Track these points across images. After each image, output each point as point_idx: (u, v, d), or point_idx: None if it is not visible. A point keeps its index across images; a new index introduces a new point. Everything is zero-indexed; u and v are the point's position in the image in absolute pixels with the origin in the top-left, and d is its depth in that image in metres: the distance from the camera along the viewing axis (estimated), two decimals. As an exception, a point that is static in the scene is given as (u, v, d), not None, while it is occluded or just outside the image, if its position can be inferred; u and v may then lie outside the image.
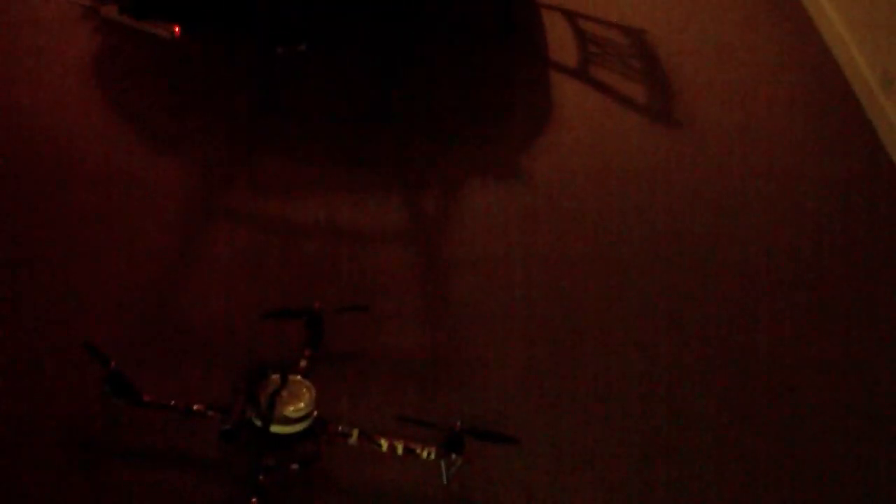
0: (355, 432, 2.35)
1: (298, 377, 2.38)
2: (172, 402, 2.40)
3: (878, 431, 2.69)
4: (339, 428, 2.36)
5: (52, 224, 3.04)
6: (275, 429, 2.28)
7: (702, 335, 2.93)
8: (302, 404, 2.31)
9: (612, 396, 2.71)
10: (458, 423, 2.31)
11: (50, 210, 3.08)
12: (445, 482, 2.33)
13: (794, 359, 2.88)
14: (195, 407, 2.38)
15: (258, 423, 2.29)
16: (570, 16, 4.36)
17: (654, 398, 2.71)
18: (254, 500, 2.24)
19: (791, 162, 3.68)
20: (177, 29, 3.83)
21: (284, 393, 2.29)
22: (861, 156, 3.77)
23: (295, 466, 2.34)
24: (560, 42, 4.19)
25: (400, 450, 2.34)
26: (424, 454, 2.32)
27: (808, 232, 3.38)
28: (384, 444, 2.34)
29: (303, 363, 2.50)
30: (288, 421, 2.30)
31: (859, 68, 4.10)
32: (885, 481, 2.56)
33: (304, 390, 2.34)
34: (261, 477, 2.27)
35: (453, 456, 2.31)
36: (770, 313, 3.03)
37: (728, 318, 2.99)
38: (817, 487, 2.51)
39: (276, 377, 2.30)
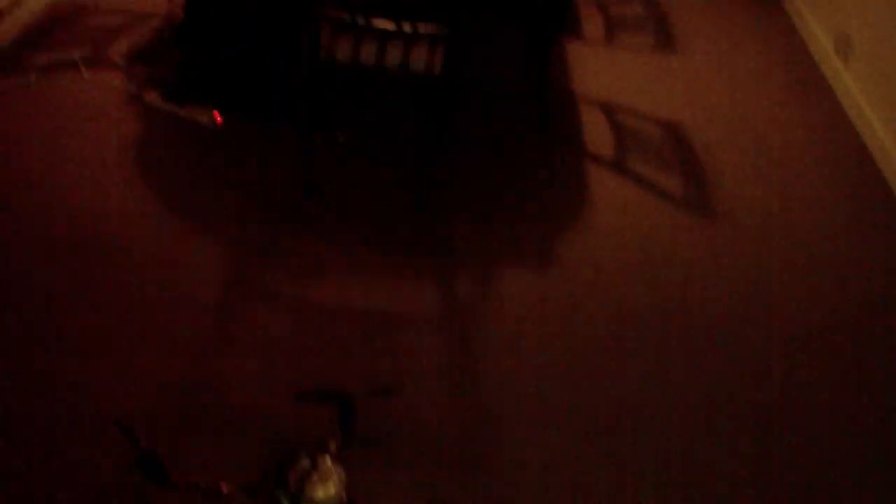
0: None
1: (328, 460, 2.37)
2: (201, 483, 2.39)
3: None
4: (369, 512, 2.34)
5: (91, 303, 3.06)
6: (304, 511, 2.26)
7: (733, 415, 2.90)
8: (332, 487, 2.29)
9: (647, 480, 2.67)
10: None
11: (89, 289, 3.11)
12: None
13: (826, 443, 2.84)
14: (224, 489, 2.37)
15: (287, 504, 2.27)
16: (607, 109, 4.40)
17: (681, 471, 2.68)
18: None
19: (825, 252, 3.67)
20: (218, 116, 3.90)
21: (314, 475, 2.27)
22: (893, 242, 3.76)
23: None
24: (597, 134, 4.22)
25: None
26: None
27: (845, 322, 3.35)
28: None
29: (333, 446, 2.48)
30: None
31: (894, 162, 4.11)
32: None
33: (334, 473, 2.32)
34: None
35: None
36: (804, 399, 2.99)
37: (762, 405, 2.96)
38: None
39: (306, 460, 2.29)
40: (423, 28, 3.37)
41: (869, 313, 3.41)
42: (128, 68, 4.17)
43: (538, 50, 4.12)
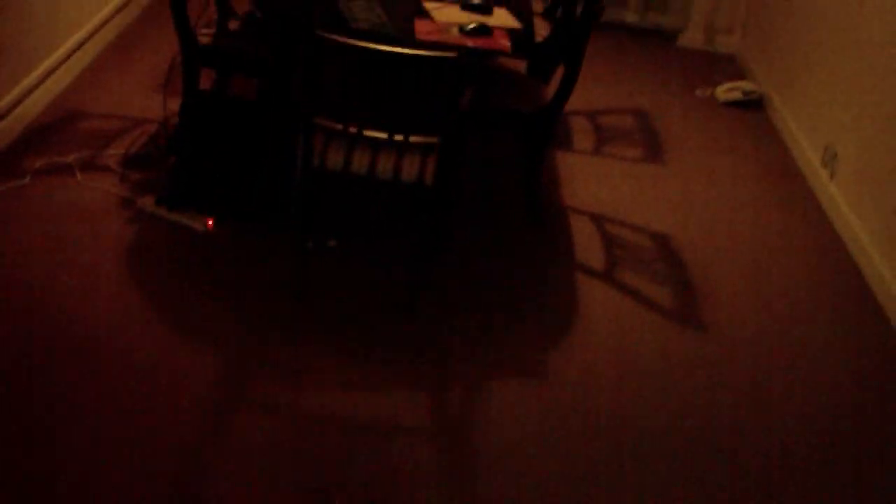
0: None
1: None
2: None
3: None
4: None
5: (77, 408, 3.04)
6: None
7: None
8: None
9: None
10: None
11: (76, 394, 3.09)
12: None
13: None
14: None
15: None
16: (597, 218, 4.44)
17: None
18: None
19: (811, 364, 3.67)
20: (210, 222, 3.92)
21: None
22: (886, 363, 3.76)
23: None
24: (587, 244, 4.25)
25: None
26: None
27: (830, 434, 3.34)
28: None
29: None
30: None
31: (884, 277, 4.13)
32: None
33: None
34: None
35: None
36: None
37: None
38: None
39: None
40: (414, 138, 3.41)
41: (859, 426, 3.41)
42: (122, 173, 4.21)
43: (529, 160, 4.16)
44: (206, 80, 4.41)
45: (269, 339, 3.44)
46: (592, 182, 4.79)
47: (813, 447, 3.29)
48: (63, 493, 2.75)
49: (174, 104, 4.50)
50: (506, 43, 3.70)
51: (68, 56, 4.89)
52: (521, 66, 4.59)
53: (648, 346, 3.67)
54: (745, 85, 6.10)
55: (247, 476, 2.88)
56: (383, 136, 3.41)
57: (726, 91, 6.10)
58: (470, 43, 3.63)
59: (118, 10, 5.57)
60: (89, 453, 2.88)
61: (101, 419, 3.01)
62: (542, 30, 4.78)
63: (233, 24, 4.36)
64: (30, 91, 4.51)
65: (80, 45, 5.03)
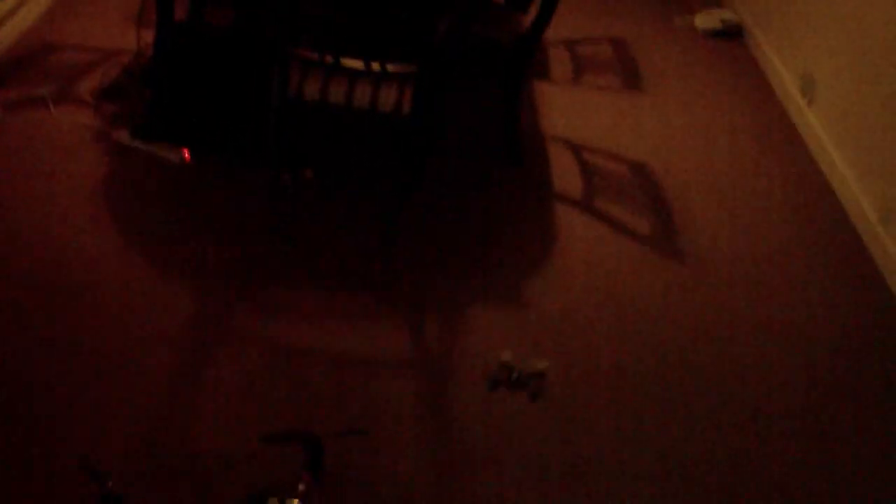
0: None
1: (297, 501, 2.35)
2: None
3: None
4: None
5: (56, 344, 3.03)
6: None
7: (709, 467, 2.90)
8: (299, 529, 2.28)
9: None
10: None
11: (54, 330, 3.08)
12: None
13: (801, 495, 2.85)
14: (191, 530, 2.35)
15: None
16: (575, 148, 4.43)
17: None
18: None
19: (793, 295, 3.70)
20: (186, 153, 3.90)
21: (282, 517, 2.26)
22: (861, 287, 3.79)
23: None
24: (565, 173, 4.24)
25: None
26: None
27: (812, 364, 3.37)
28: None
29: (301, 487, 2.47)
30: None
31: (860, 203, 4.15)
32: None
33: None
34: None
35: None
36: (776, 450, 3.00)
37: (732, 454, 2.97)
38: None
39: (274, 501, 2.27)
40: (392, 67, 3.38)
41: (831, 352, 3.44)
42: (96, 105, 4.16)
43: (507, 91, 4.14)
44: (181, 12, 4.35)
45: (247, 272, 3.43)
46: (570, 112, 4.78)
47: (798, 369, 3.32)
48: (40, 428, 2.75)
49: (148, 35, 4.44)
50: (483, -30, 3.66)
51: (39, -13, 4.82)
52: (498, -6, 4.55)
53: (627, 275, 3.68)
54: (723, 13, 6.07)
55: (226, 410, 2.89)
56: (360, 65, 3.38)
57: (705, 19, 6.06)
58: (447, -30, 3.59)
59: (89, -60, 5.47)
60: (66, 387, 2.88)
61: (77, 353, 3.01)
62: (519, -42, 4.73)
63: (206, -47, 4.29)
64: (0, 23, 4.45)
65: (51, -24, 4.96)
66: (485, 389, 3.06)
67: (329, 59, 3.36)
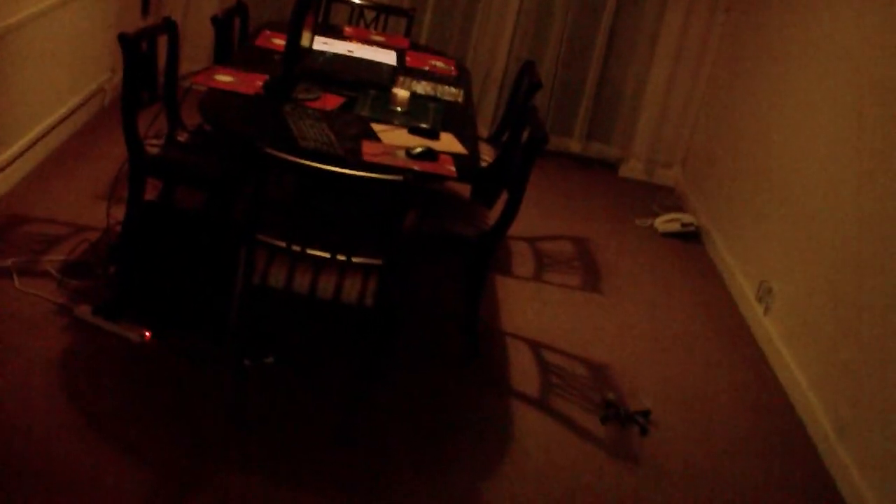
0: None
1: None
2: None
3: None
4: None
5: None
6: None
7: None
8: None
9: None
10: None
11: (-4, 508, 3.02)
12: None
13: None
14: None
15: None
16: (535, 345, 4.47)
17: None
18: None
19: (746, 501, 3.69)
20: (147, 334, 3.89)
21: None
22: (814, 494, 3.78)
23: None
24: (523, 371, 4.27)
25: None
26: None
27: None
28: None
29: None
30: None
31: (815, 414, 4.18)
32: None
33: None
34: None
35: None
36: None
37: None
38: None
39: None
40: (357, 259, 3.43)
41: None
42: (61, 280, 4.17)
43: (469, 285, 4.19)
44: (153, 191, 4.42)
45: (203, 459, 3.39)
46: (531, 308, 4.83)
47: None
48: None
49: (119, 213, 4.50)
50: (451, 168, 3.76)
51: (13, 160, 4.88)
52: (465, 190, 4.66)
53: (582, 480, 3.66)
54: (683, 217, 6.23)
55: None
56: (326, 255, 3.42)
57: (665, 222, 6.21)
58: (416, 166, 3.68)
59: (67, 116, 5.59)
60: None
61: (22, 533, 2.94)
62: (487, 155, 4.88)
63: (182, 136, 4.39)
64: (-28, 193, 4.50)
65: (27, 150, 5.03)
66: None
67: (296, 247, 3.40)
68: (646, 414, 3.24)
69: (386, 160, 3.68)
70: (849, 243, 4.21)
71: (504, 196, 4.15)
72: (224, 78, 4.19)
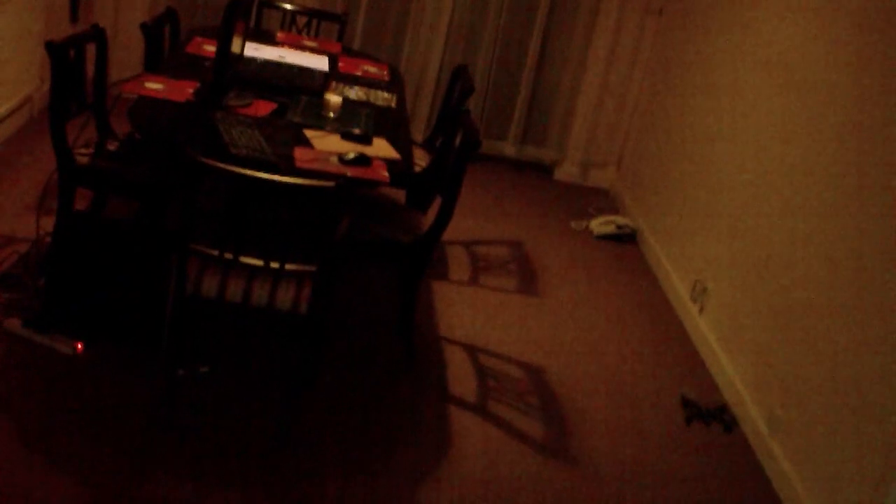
0: None
1: None
2: None
3: None
4: None
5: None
6: None
7: None
8: None
9: None
10: None
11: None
12: None
13: None
14: None
15: None
16: (471, 350, 4.47)
17: None
18: None
19: (681, 495, 3.72)
20: (79, 345, 3.84)
21: None
22: (744, 485, 3.83)
23: None
24: (460, 375, 4.27)
25: None
26: None
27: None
28: None
29: None
30: None
31: (748, 409, 4.23)
32: None
33: None
34: None
35: None
36: None
37: None
38: None
39: None
40: (290, 266, 3.41)
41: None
42: (-11, 292, 4.11)
43: (404, 290, 4.19)
44: (84, 202, 4.37)
45: (135, 470, 3.35)
46: (467, 312, 4.84)
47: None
48: None
49: (48, 224, 4.44)
50: (384, 174, 3.75)
51: (-61, 171, 4.80)
52: (399, 195, 4.66)
53: (520, 480, 3.67)
54: (618, 219, 6.27)
55: None
56: (259, 263, 3.40)
57: (601, 224, 6.25)
58: (349, 172, 3.67)
59: (-5, 127, 5.51)
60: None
61: (-49, 551, 2.89)
62: (421, 160, 4.88)
63: (112, 145, 4.34)
64: None
65: (-47, 161, 4.95)
66: None
67: (228, 255, 3.38)
68: (722, 410, 3.37)
69: (319, 166, 3.67)
70: (778, 242, 4.27)
71: (438, 200, 4.16)
72: (154, 85, 4.16)
